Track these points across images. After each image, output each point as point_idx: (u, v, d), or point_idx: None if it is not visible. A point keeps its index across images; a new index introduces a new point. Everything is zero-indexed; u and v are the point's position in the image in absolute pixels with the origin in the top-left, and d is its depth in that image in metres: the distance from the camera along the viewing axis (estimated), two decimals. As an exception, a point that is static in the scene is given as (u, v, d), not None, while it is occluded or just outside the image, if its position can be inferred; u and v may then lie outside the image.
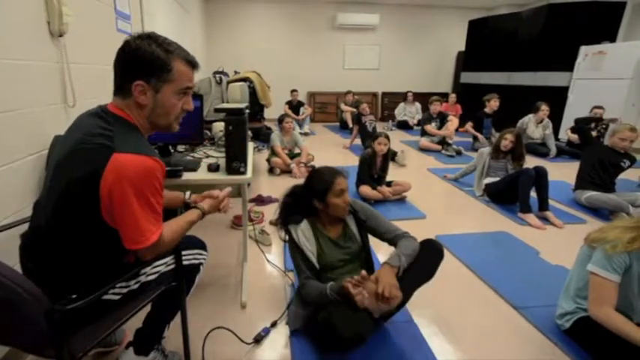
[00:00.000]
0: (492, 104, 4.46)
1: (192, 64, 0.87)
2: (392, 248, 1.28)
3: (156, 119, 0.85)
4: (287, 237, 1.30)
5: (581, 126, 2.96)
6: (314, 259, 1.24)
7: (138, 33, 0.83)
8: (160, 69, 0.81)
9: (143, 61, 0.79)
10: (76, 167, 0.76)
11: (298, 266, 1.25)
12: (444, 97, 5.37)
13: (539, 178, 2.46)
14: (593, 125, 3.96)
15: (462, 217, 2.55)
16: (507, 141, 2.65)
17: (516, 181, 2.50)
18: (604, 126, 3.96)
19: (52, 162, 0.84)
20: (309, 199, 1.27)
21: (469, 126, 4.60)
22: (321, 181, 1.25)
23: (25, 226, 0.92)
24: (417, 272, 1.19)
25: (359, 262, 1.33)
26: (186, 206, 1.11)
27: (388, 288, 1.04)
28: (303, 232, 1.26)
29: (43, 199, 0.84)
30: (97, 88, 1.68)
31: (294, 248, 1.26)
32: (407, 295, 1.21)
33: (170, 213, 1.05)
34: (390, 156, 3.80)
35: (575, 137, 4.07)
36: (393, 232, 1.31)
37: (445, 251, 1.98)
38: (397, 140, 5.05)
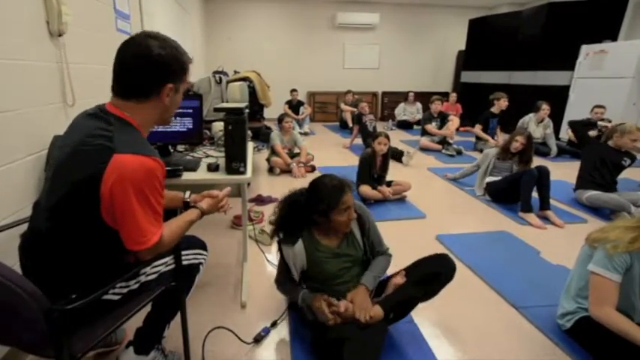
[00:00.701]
0: (502, 104, 4.33)
1: (190, 62, 0.93)
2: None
3: (167, 115, 0.91)
4: (278, 249, 1.30)
5: (576, 127, 2.98)
6: (296, 276, 1.27)
7: (149, 33, 0.84)
8: (183, 70, 0.88)
9: (172, 64, 0.84)
10: (76, 169, 0.76)
11: (280, 270, 1.34)
12: (444, 96, 5.35)
13: (542, 177, 2.46)
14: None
15: (463, 217, 2.55)
16: (518, 143, 2.62)
17: (518, 181, 2.49)
18: (605, 125, 3.95)
19: (52, 163, 0.84)
20: (310, 212, 1.22)
21: (479, 129, 4.44)
22: (326, 198, 1.16)
23: (25, 226, 0.92)
24: (418, 290, 1.17)
25: (360, 268, 1.30)
26: (186, 206, 1.11)
27: (364, 314, 1.10)
28: (295, 255, 1.23)
29: (42, 200, 0.84)
30: (96, 88, 1.68)
31: (282, 261, 1.29)
32: (403, 308, 1.21)
33: (170, 213, 1.05)
34: (396, 155, 3.81)
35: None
36: (381, 246, 1.33)
37: (446, 251, 2.01)
38: (397, 140, 5.05)
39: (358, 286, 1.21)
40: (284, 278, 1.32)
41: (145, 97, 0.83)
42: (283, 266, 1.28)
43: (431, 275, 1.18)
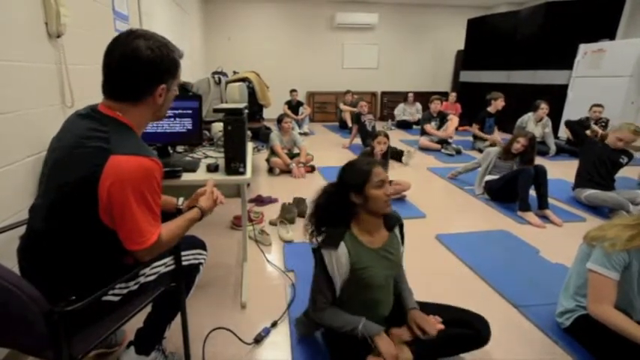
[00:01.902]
0: (498, 104, 4.34)
1: (181, 57, 0.91)
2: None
3: (161, 113, 0.89)
4: (316, 257, 1.12)
5: (573, 127, 2.99)
6: (338, 290, 1.09)
7: (136, 32, 0.82)
8: (174, 69, 0.86)
9: (163, 65, 0.82)
10: (71, 170, 0.76)
11: (320, 290, 1.10)
12: (443, 96, 5.36)
13: (539, 176, 2.46)
14: (592, 122, 3.98)
15: (462, 216, 2.55)
16: (519, 144, 2.61)
17: (515, 180, 2.49)
18: (603, 123, 3.97)
19: (47, 165, 0.84)
20: (346, 194, 1.10)
21: (476, 128, 4.47)
22: (356, 171, 1.09)
23: (24, 228, 0.92)
24: (452, 349, 1.12)
25: (392, 284, 1.19)
26: (179, 212, 1.10)
27: (433, 329, 1.05)
28: (339, 259, 1.06)
29: (39, 202, 0.84)
30: (95, 89, 1.66)
31: (322, 273, 1.09)
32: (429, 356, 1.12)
33: (170, 216, 1.04)
34: (395, 155, 3.81)
35: None
36: (402, 270, 1.25)
37: (445, 250, 2.02)
38: (397, 139, 5.05)
39: (412, 311, 1.13)
40: (326, 300, 1.09)
41: (136, 99, 0.82)
42: (324, 283, 1.08)
43: (471, 341, 1.12)
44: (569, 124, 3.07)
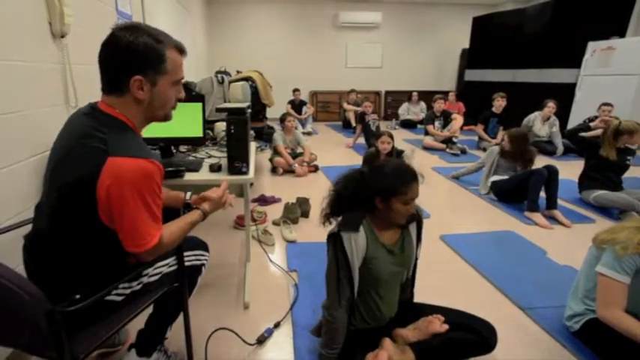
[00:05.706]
0: (495, 103, 4.37)
1: (182, 51, 0.86)
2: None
3: (154, 112, 0.84)
4: (330, 243, 1.05)
5: (572, 137, 2.93)
6: (357, 281, 1.04)
7: (122, 24, 0.80)
8: (156, 61, 0.78)
9: (137, 55, 0.76)
10: (70, 171, 0.75)
11: (337, 283, 1.03)
12: (446, 95, 5.31)
13: (550, 176, 2.43)
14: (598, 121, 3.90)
15: (467, 217, 2.52)
16: (505, 142, 2.66)
17: (527, 181, 2.46)
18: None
19: (49, 164, 0.84)
20: (371, 193, 1.05)
21: (480, 128, 4.48)
22: (392, 180, 1.02)
23: (28, 227, 0.92)
24: (456, 353, 1.08)
25: (400, 282, 1.17)
26: (187, 206, 1.10)
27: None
28: (358, 242, 1.01)
29: (42, 201, 0.85)
30: (98, 89, 1.68)
31: (341, 261, 1.01)
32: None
33: (173, 213, 1.04)
34: (396, 155, 3.79)
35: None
36: (413, 274, 1.21)
37: (450, 251, 2.00)
38: (401, 139, 5.02)
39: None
40: (343, 297, 1.03)
41: (118, 90, 0.79)
42: (343, 273, 1.01)
43: (476, 348, 1.09)
44: (569, 136, 3.00)
